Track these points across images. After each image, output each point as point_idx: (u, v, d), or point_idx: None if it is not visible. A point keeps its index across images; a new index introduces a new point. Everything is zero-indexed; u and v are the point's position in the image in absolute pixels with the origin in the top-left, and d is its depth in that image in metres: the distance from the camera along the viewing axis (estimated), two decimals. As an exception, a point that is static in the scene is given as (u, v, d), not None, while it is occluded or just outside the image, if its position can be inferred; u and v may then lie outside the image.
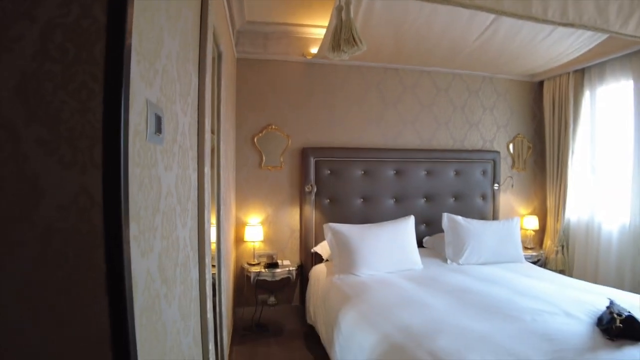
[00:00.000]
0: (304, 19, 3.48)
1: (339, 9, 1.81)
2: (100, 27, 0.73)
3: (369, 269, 3.06)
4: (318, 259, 3.52)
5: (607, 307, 2.02)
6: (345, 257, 3.10)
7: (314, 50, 3.61)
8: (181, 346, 1.27)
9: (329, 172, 3.69)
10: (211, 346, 1.75)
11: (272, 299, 3.55)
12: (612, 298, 2.21)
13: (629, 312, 1.94)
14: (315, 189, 3.65)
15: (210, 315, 1.74)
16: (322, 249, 3.48)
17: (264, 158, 3.67)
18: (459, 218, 3.63)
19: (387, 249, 3.20)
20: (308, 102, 3.79)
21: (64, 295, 0.72)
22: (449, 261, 3.43)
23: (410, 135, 4.05)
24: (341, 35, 1.77)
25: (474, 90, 4.28)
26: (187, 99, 1.36)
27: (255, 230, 3.51)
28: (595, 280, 3.42)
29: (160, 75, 1.03)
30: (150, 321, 0.95)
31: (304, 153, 3.67)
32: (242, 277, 3.53)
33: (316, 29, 3.57)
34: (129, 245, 0.79)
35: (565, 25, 2.58)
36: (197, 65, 1.49)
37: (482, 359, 1.70)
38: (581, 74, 4.02)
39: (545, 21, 2.49)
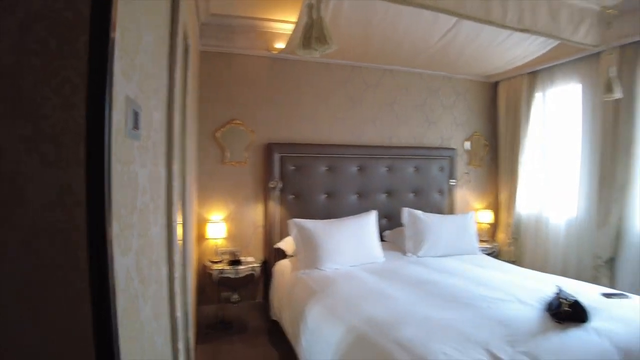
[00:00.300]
0: (270, 14, 3.46)
1: (309, 7, 1.82)
2: (84, 19, 0.71)
3: (333, 263, 3.11)
4: (282, 254, 3.53)
5: (556, 294, 2.18)
6: (310, 252, 3.13)
7: (280, 45, 3.60)
8: (155, 345, 1.25)
9: (293, 168, 3.71)
10: (181, 345, 1.73)
11: (235, 296, 3.52)
12: (560, 285, 2.39)
13: (575, 297, 2.10)
14: (280, 185, 3.65)
15: (179, 314, 1.72)
16: (286, 244, 3.49)
17: (227, 153, 3.62)
18: (419, 212, 3.78)
19: (351, 243, 3.27)
20: (273, 98, 3.77)
21: (47, 296, 0.70)
22: (409, 254, 3.56)
23: (373, 132, 4.15)
24: (312, 33, 1.78)
25: (434, 89, 4.44)
26: (158, 94, 1.33)
27: (218, 227, 3.47)
28: (544, 269, 3.67)
29: (139, 71, 1.01)
30: (130, 321, 0.94)
31: (269, 149, 3.66)
32: (204, 275, 3.47)
33: (282, 24, 3.56)
34: (112, 244, 0.78)
35: (522, 30, 2.75)
36: (168, 60, 1.46)
37: (445, 346, 1.79)
38: (534, 76, 4.28)
39: (503, 26, 2.65)
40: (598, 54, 3.45)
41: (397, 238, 3.81)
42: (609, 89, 3.01)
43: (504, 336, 1.88)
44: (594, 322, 2.01)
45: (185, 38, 1.88)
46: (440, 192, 4.35)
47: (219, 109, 3.60)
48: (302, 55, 2.02)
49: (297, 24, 2.84)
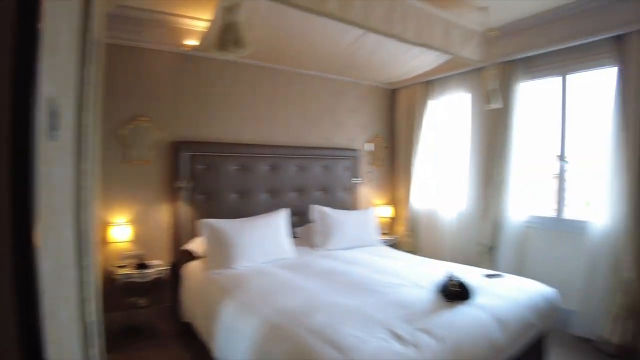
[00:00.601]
0: (182, 9, 3.36)
1: (227, 10, 1.85)
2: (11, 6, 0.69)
3: (246, 262, 3.16)
4: (192, 256, 3.46)
5: (446, 277, 2.51)
6: (222, 252, 3.14)
7: (192, 42, 3.51)
8: (72, 353, 1.21)
9: (203, 167, 3.66)
10: (93, 353, 1.66)
11: (142, 301, 3.37)
12: (450, 270, 2.75)
13: (462, 279, 2.45)
14: (189, 185, 3.57)
15: (91, 320, 1.64)
16: (197, 245, 3.43)
17: (131, 152, 3.44)
18: (327, 209, 4.01)
19: (263, 241, 3.35)
20: (182, 95, 3.67)
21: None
22: (318, 248, 3.76)
23: (285, 133, 4.27)
24: (228, 36, 1.82)
25: (342, 93, 4.73)
26: (72, 91, 1.28)
27: (122, 230, 3.29)
28: (437, 257, 4.11)
29: (58, 67, 0.98)
30: (52, 326, 0.92)
31: (177, 147, 3.56)
32: (109, 281, 3.26)
33: (195, 20, 3.48)
34: (37, 247, 0.77)
35: (420, 45, 3.09)
36: (80, 55, 1.39)
37: (352, 329, 1.97)
38: (429, 85, 4.77)
39: (405, 40, 2.94)
40: (483, 68, 4.00)
41: (307, 234, 3.98)
42: (489, 99, 3.53)
43: (403, 316, 2.13)
44: (478, 299, 2.36)
45: (95, 31, 1.78)
46: (346, 189, 4.64)
47: (124, 105, 3.40)
48: (218, 57, 2.05)
49: (212, 24, 2.82)
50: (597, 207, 3.32)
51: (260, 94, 4.10)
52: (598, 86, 3.40)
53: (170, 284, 3.56)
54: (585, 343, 3.27)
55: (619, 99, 3.14)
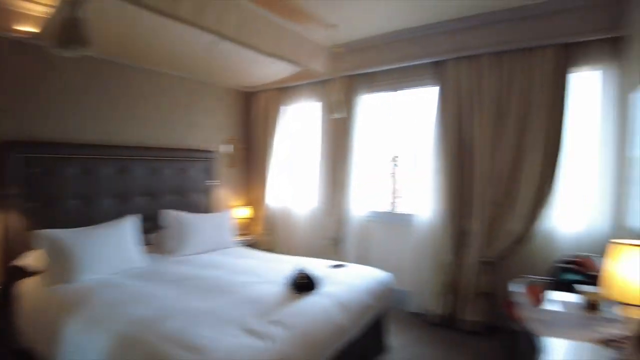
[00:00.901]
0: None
1: (71, 4, 1.67)
2: None
3: (91, 274, 2.87)
4: (26, 272, 2.97)
5: (296, 271, 2.70)
6: (63, 265, 2.81)
7: (27, 29, 2.99)
8: None
9: (39, 170, 3.17)
10: None
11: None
12: (301, 264, 2.96)
13: (308, 272, 2.67)
14: (20, 191, 3.06)
15: None
16: (32, 259, 2.98)
17: None
18: (180, 213, 3.91)
19: (108, 251, 3.09)
20: (11, 88, 3.13)
21: None
22: (173, 254, 3.63)
23: (134, 132, 3.99)
24: (70, 33, 1.64)
25: (198, 93, 4.64)
26: None
27: None
28: (293, 253, 4.34)
29: None
30: None
31: (5, 148, 3.03)
32: None
33: (30, 4, 2.90)
34: None
35: (272, 56, 3.26)
36: None
37: (206, 330, 1.99)
38: (283, 91, 5.00)
39: (257, 50, 3.08)
40: (330, 80, 4.37)
41: (160, 240, 3.80)
42: (333, 109, 3.90)
43: (256, 312, 2.25)
44: (324, 288, 2.62)
45: None
46: (201, 192, 4.56)
47: None
48: (55, 53, 1.80)
49: (52, 18, 2.48)
50: (421, 202, 3.96)
51: (107, 90, 3.75)
52: (426, 101, 4.02)
53: (1, 306, 2.98)
54: (417, 317, 3.91)
55: (439, 113, 3.80)
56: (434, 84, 3.87)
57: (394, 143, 4.33)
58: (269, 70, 4.10)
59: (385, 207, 4.48)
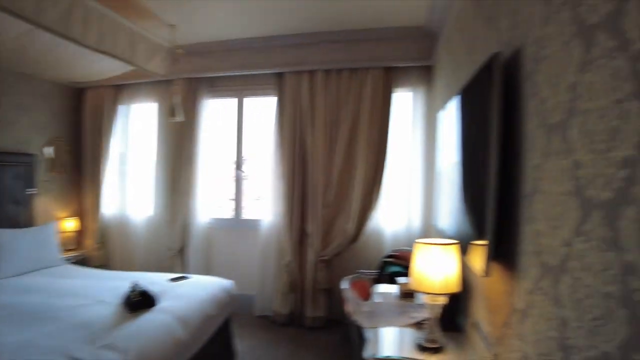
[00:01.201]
0: None
1: None
2: None
3: None
4: None
5: (130, 288, 2.56)
6: None
7: None
8: None
9: None
10: None
11: None
12: (138, 279, 2.80)
13: (145, 287, 2.55)
14: None
15: None
16: None
17: None
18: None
19: None
20: None
21: None
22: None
23: None
24: None
25: (11, 88, 3.91)
26: None
27: None
28: (131, 267, 4.04)
29: None
30: None
31: None
32: None
33: None
34: None
35: (100, 52, 2.99)
36: None
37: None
38: (119, 89, 4.59)
39: (84, 45, 2.79)
40: (169, 82, 4.20)
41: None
42: (172, 113, 3.77)
43: (84, 337, 2.06)
44: (162, 304, 2.52)
45: None
46: (17, 203, 3.90)
47: None
48: None
49: None
50: (265, 207, 4.13)
51: None
52: (269, 110, 4.22)
53: None
54: (265, 319, 4.05)
55: (278, 122, 4.03)
56: (275, 94, 4.09)
57: (239, 149, 4.41)
58: (100, 66, 3.72)
59: (230, 214, 4.52)
